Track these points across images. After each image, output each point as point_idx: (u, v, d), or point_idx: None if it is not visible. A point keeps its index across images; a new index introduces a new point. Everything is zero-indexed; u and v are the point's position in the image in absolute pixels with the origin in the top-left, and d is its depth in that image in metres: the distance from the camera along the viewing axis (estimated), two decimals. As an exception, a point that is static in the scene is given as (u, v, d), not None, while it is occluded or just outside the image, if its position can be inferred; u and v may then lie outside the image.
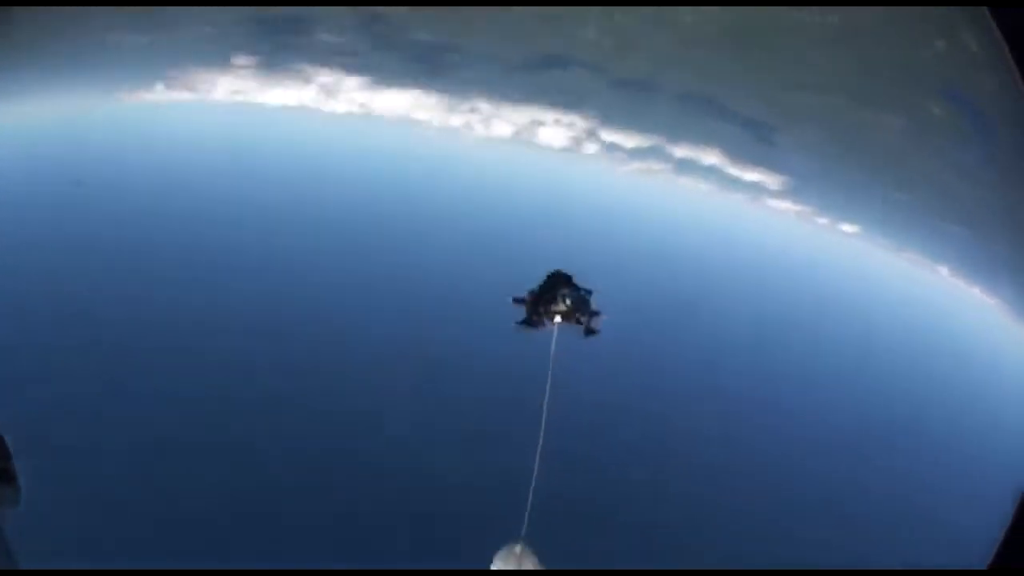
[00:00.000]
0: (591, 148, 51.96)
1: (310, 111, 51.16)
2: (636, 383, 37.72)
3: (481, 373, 32.08)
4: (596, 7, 39.87)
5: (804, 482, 32.16)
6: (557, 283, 12.24)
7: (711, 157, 49.95)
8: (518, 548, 10.76)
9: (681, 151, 51.30)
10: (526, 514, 11.25)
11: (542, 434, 11.78)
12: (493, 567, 10.60)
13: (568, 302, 12.03)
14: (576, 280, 12.36)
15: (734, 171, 49.87)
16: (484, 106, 50.17)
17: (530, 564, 10.61)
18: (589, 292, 12.40)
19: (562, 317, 12.01)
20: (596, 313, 12.19)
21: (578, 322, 12.12)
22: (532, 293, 12.29)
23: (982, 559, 9.38)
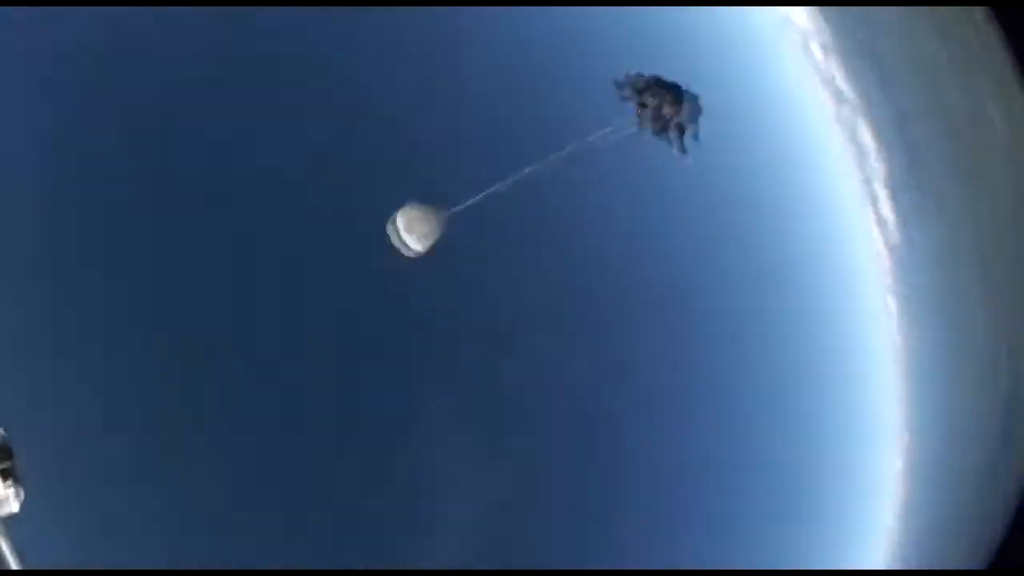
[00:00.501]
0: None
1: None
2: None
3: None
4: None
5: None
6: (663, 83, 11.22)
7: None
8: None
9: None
10: None
11: None
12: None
13: (679, 101, 11.13)
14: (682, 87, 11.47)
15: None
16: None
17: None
18: (696, 96, 11.52)
19: (661, 114, 11.12)
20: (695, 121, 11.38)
21: (677, 128, 11.27)
22: (639, 78, 11.41)
23: (983, 559, 9.42)
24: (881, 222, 19.49)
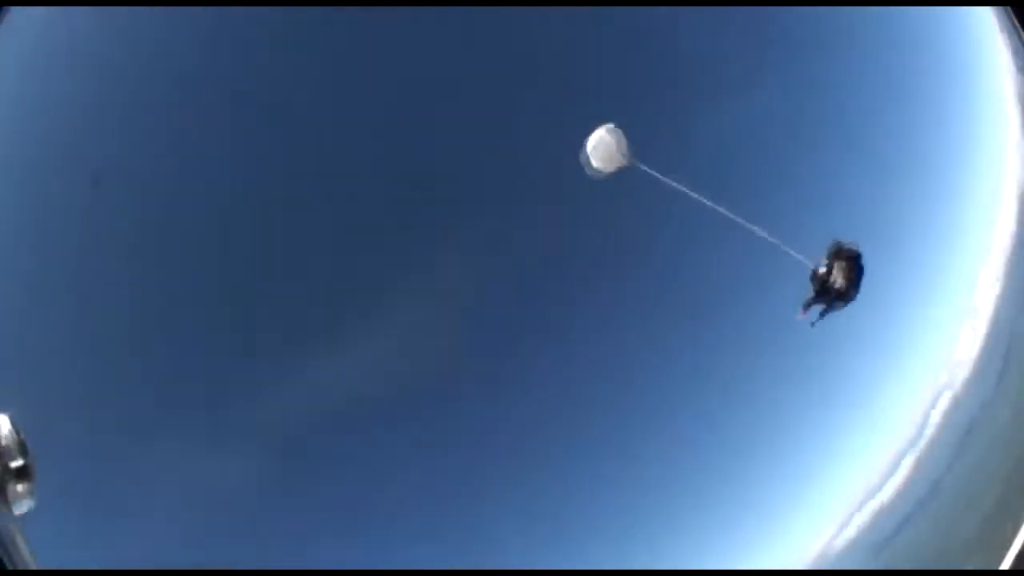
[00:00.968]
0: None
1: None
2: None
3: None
4: None
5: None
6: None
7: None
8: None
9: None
10: None
11: None
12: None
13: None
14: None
15: None
16: None
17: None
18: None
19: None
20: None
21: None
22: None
23: (994, 559, 9.30)
24: None
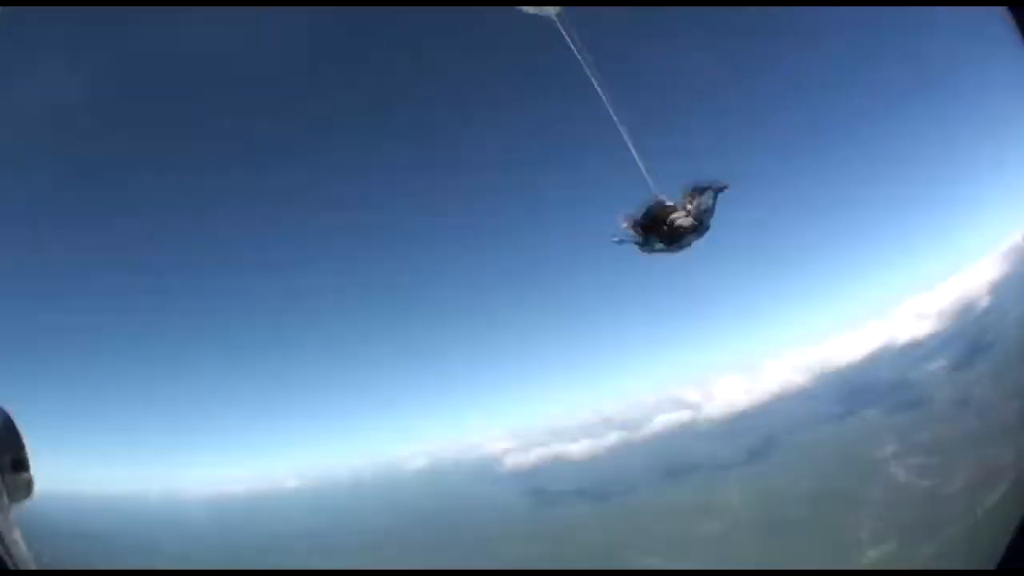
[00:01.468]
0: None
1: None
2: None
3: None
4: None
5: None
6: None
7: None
8: None
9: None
10: None
11: None
12: None
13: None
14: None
15: None
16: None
17: None
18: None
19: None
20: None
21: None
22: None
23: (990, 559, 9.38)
24: None
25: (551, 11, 10.98)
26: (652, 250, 11.05)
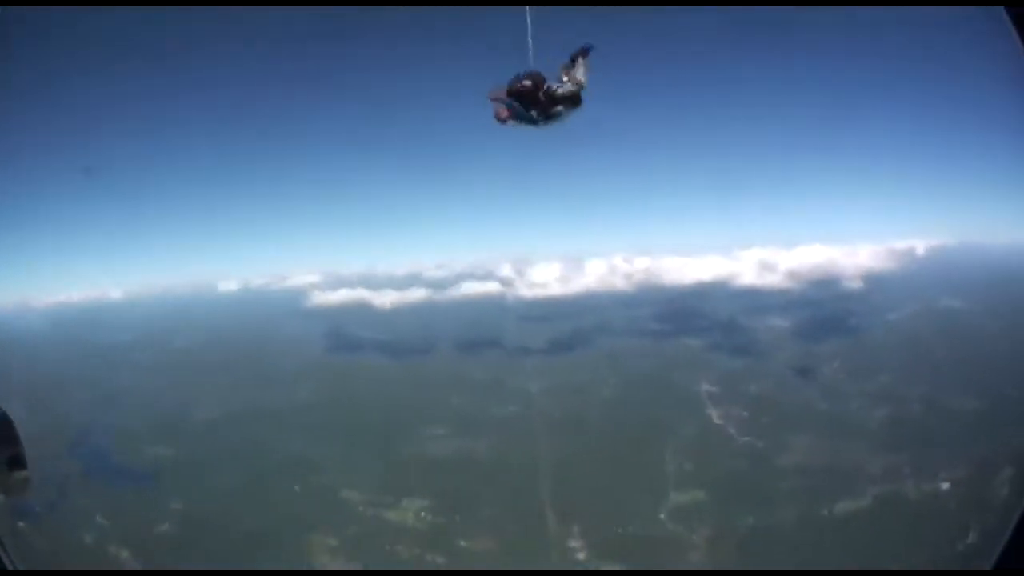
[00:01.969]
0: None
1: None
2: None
3: None
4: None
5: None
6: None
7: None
8: None
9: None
10: None
11: None
12: None
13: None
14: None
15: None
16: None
17: None
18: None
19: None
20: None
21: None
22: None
23: (987, 558, 9.37)
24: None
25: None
26: (528, 122, 11.15)
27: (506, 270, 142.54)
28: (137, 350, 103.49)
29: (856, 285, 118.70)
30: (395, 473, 66.68)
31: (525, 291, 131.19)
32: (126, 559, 56.04)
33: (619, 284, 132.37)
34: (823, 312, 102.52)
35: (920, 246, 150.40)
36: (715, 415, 70.96)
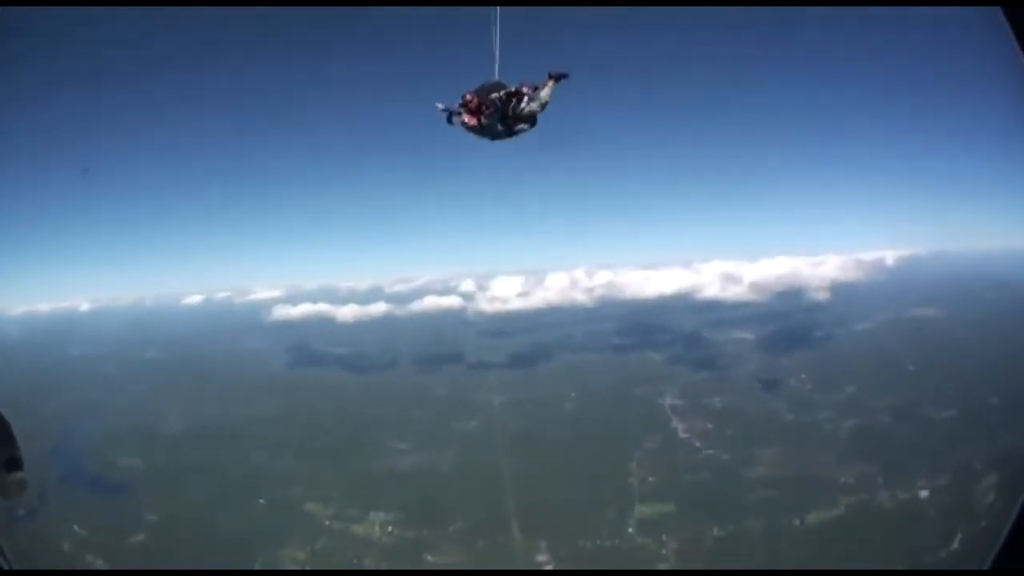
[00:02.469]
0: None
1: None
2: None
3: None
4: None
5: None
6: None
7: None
8: None
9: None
10: None
11: None
12: None
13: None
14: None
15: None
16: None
17: None
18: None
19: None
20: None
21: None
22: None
23: (983, 558, 9.40)
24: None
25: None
26: (488, 135, 11.14)
27: (467, 284, 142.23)
28: (108, 361, 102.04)
29: (823, 296, 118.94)
30: (359, 487, 66.01)
31: (486, 305, 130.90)
32: (102, 567, 55.00)
33: (580, 298, 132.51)
34: (789, 324, 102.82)
35: (890, 256, 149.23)
36: (680, 428, 71.14)
